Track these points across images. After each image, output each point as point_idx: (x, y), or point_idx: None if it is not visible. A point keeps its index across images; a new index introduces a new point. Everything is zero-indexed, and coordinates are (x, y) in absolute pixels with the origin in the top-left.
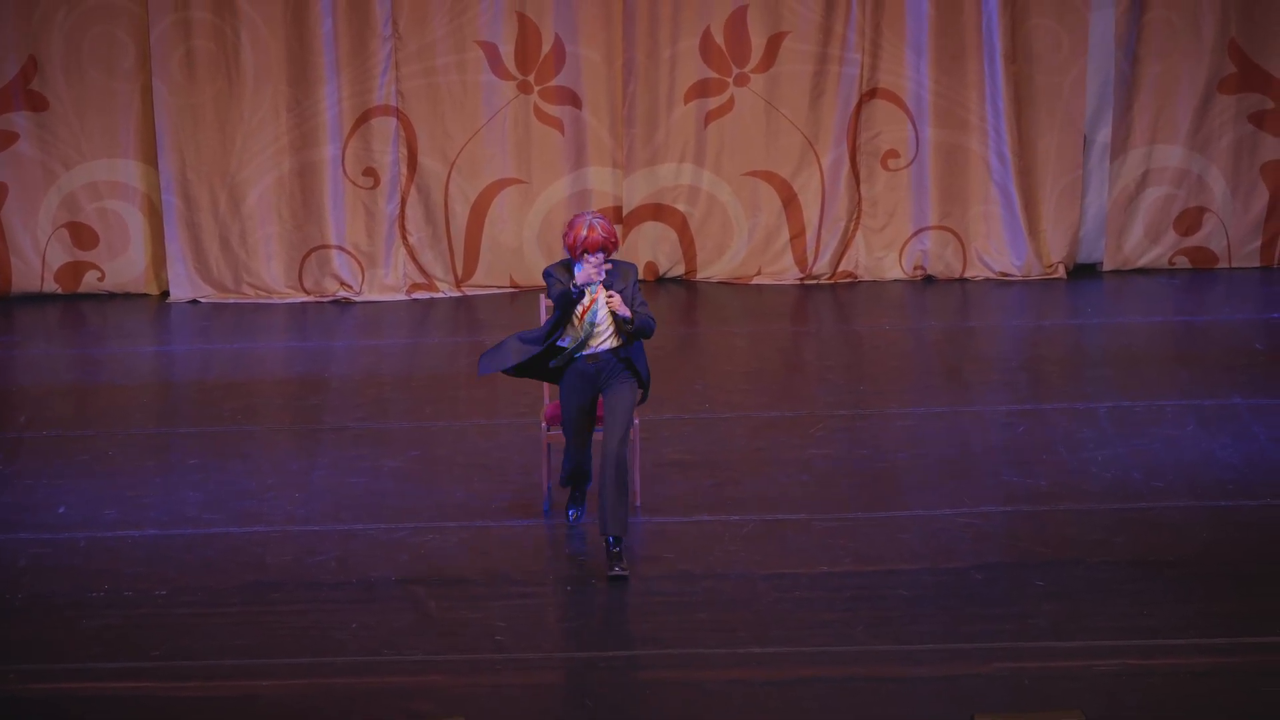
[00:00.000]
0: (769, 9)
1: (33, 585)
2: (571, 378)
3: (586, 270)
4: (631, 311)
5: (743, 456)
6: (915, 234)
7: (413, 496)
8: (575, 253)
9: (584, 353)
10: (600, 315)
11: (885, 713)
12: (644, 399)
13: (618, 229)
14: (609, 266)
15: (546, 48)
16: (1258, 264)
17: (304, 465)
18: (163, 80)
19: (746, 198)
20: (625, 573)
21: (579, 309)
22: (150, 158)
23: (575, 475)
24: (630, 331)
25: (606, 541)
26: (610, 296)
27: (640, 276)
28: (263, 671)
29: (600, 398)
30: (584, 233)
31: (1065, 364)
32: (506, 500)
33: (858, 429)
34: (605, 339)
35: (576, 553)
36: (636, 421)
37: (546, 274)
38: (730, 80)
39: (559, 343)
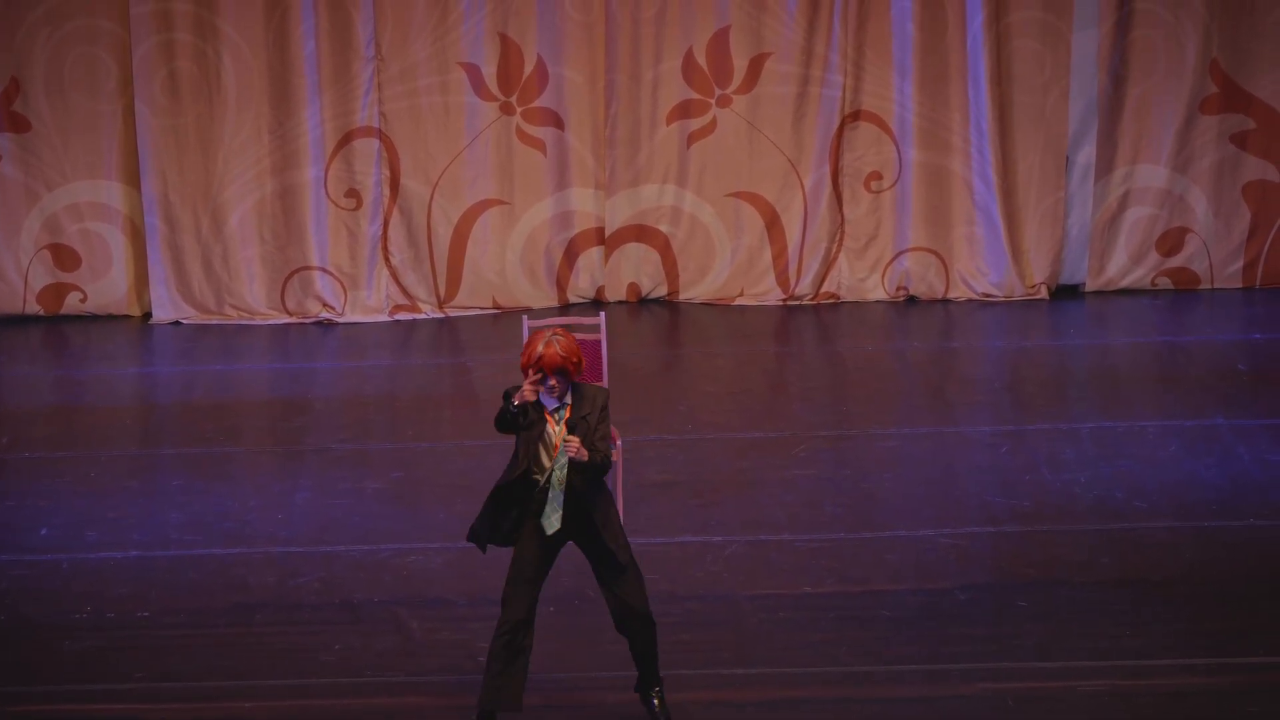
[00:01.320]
0: (751, 30)
1: (15, 607)
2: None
3: (525, 391)
4: (590, 449)
5: (726, 477)
6: (898, 255)
7: (395, 518)
8: (526, 371)
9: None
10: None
11: None
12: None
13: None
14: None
15: (529, 69)
16: (1240, 284)
17: (286, 487)
18: (145, 102)
19: (729, 219)
20: None
21: (550, 447)
22: (132, 179)
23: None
24: (581, 472)
25: (651, 697)
26: (568, 440)
27: (622, 298)
28: (246, 693)
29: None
30: (539, 349)
31: (1048, 385)
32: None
33: (841, 450)
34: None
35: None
36: (619, 443)
37: (505, 395)
38: (713, 101)
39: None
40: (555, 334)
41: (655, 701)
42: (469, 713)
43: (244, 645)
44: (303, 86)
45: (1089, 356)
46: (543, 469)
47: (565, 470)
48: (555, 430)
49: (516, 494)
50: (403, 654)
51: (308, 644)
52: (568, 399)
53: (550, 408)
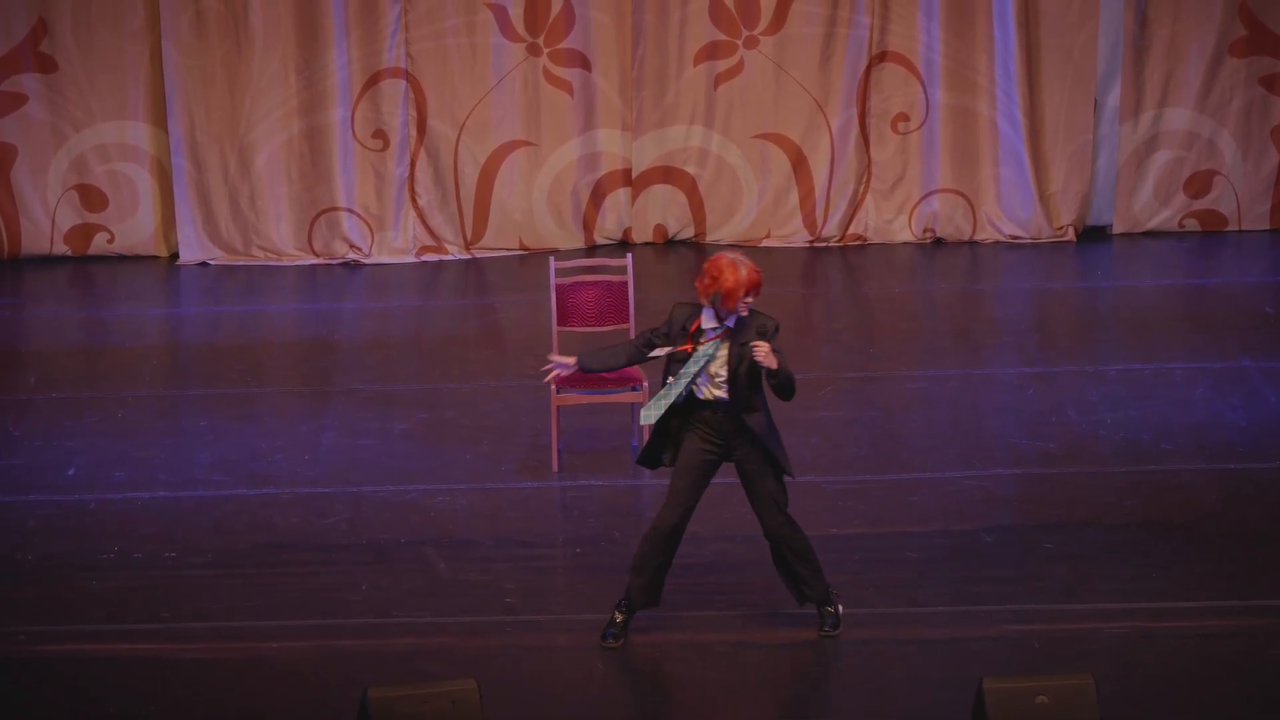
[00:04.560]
0: None
1: (42, 547)
2: (696, 428)
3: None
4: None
5: None
6: (925, 197)
7: (422, 459)
8: (735, 298)
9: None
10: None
11: (895, 675)
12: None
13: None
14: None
15: (556, 10)
16: (1268, 226)
17: (313, 427)
18: (172, 41)
19: (756, 160)
20: (836, 632)
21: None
22: (159, 120)
23: (647, 574)
24: (774, 384)
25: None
26: (757, 345)
27: (649, 239)
28: (272, 633)
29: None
30: (742, 273)
31: (1075, 326)
32: (515, 462)
33: (867, 391)
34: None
35: (585, 514)
36: (645, 384)
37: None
38: (740, 42)
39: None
40: (739, 256)
41: (829, 609)
42: (496, 652)
43: (271, 585)
44: (330, 27)
45: (1116, 298)
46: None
47: (695, 374)
48: (705, 351)
49: (675, 413)
50: (429, 594)
51: (334, 584)
52: (730, 322)
53: (710, 327)
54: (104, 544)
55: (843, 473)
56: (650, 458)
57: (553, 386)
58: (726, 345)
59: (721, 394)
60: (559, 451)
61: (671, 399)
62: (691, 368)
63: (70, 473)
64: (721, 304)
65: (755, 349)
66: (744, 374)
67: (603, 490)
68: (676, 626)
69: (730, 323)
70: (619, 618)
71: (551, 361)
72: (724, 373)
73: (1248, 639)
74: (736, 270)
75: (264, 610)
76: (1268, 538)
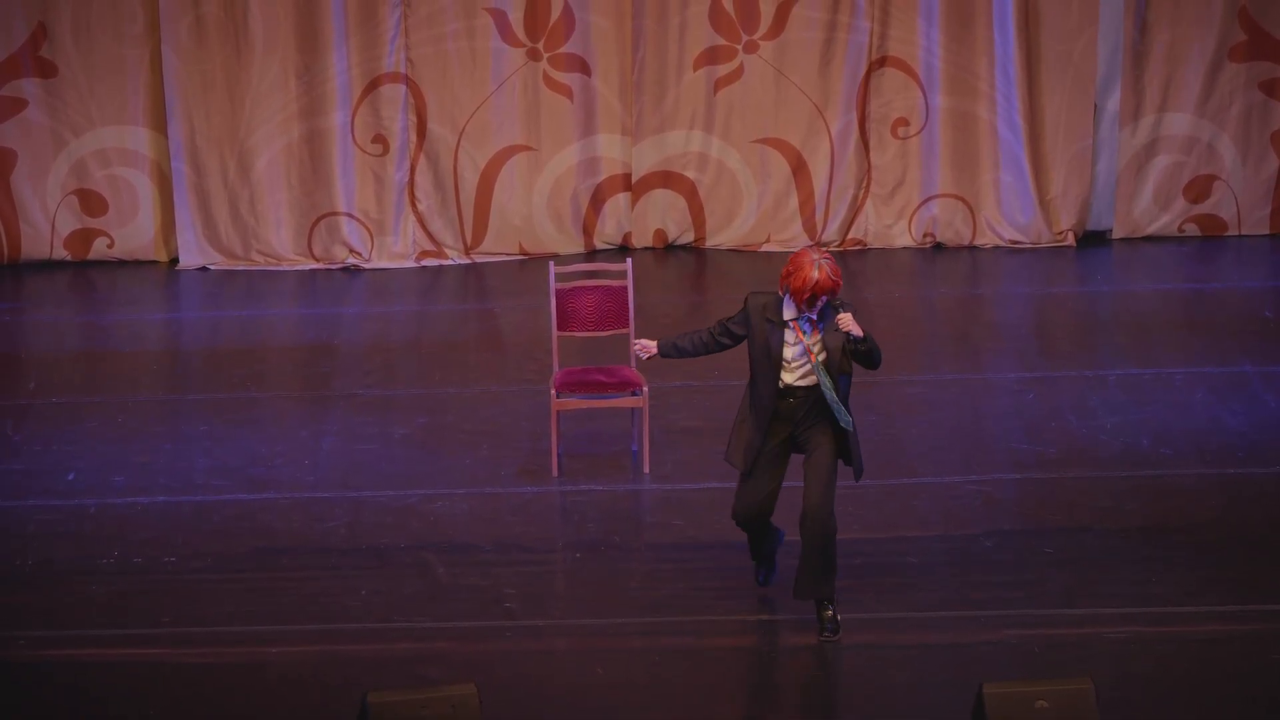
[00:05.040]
0: None
1: (42, 552)
2: (773, 420)
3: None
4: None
5: None
6: (924, 201)
7: (422, 463)
8: (800, 299)
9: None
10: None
11: (895, 680)
12: (857, 472)
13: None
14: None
15: (556, 14)
16: (1267, 231)
17: (313, 432)
18: (171, 46)
19: (755, 165)
20: (837, 636)
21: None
22: (159, 124)
23: (756, 531)
24: (862, 351)
25: (822, 609)
26: (840, 317)
27: (649, 244)
28: (272, 638)
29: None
30: (815, 275)
31: (1074, 331)
32: (515, 467)
33: (867, 396)
34: (804, 374)
35: (585, 519)
36: (645, 389)
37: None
38: (739, 47)
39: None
40: (822, 256)
41: (827, 613)
42: (496, 657)
43: (270, 590)
44: (329, 31)
45: (1115, 303)
46: (776, 380)
47: (824, 370)
48: (802, 340)
49: (763, 408)
50: (429, 598)
51: (334, 589)
52: (814, 315)
53: (800, 316)
54: (104, 549)
55: (842, 477)
56: (737, 455)
57: (552, 391)
58: (813, 334)
59: (806, 382)
60: (559, 456)
61: (826, 381)
62: (791, 352)
63: (70, 477)
64: (793, 301)
65: (839, 320)
66: (829, 362)
67: (603, 495)
68: (676, 631)
69: (813, 314)
70: (761, 575)
71: (637, 343)
72: (806, 361)
73: (1248, 644)
74: (810, 271)
75: (264, 615)
76: (1268, 543)
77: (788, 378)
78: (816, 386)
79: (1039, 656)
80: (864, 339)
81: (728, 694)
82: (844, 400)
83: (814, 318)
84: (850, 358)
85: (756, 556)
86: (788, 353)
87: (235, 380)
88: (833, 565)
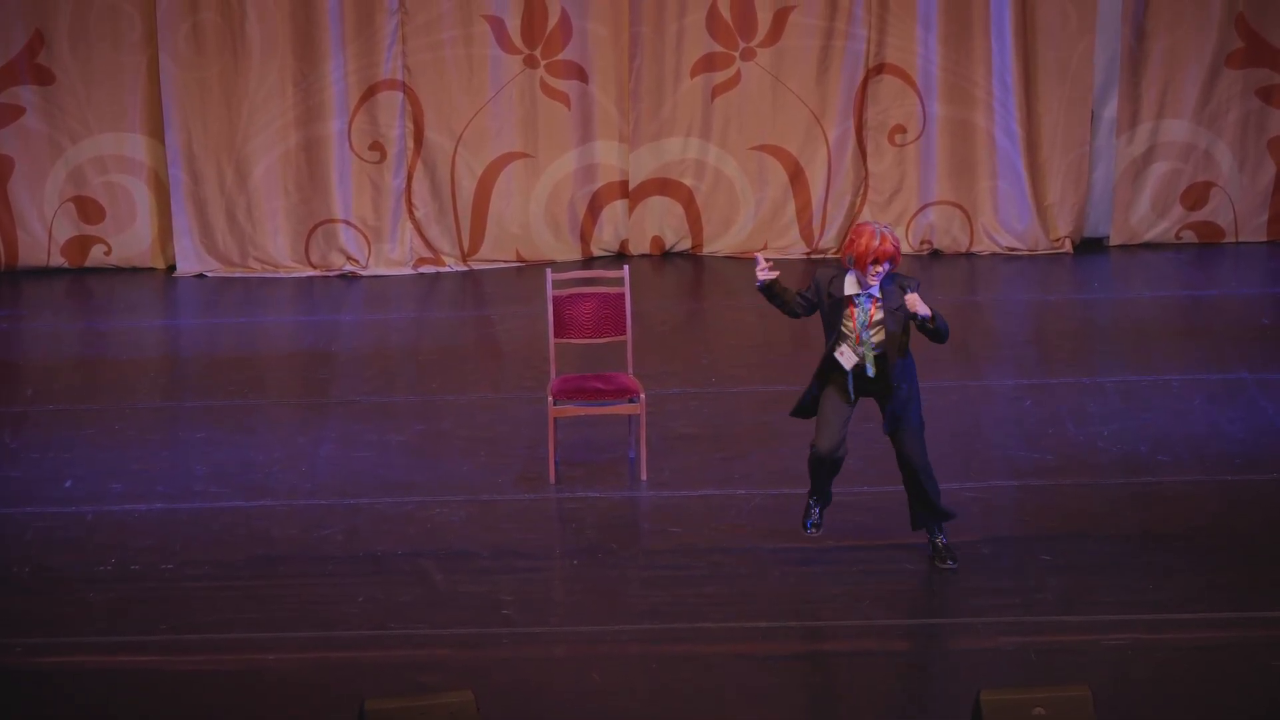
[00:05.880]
0: None
1: (40, 559)
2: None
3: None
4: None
5: (749, 430)
6: (922, 209)
7: (419, 470)
8: (864, 262)
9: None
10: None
11: (892, 686)
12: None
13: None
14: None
15: (553, 21)
16: (1264, 238)
17: (310, 439)
18: (169, 54)
19: (753, 172)
20: (955, 566)
21: (854, 320)
22: (156, 132)
23: (831, 469)
24: (930, 330)
25: (934, 538)
26: (909, 297)
27: (646, 251)
28: (270, 645)
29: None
30: (875, 242)
31: (1072, 338)
32: (513, 474)
33: (865, 403)
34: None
35: (583, 526)
36: (643, 396)
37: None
38: (737, 54)
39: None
40: (884, 227)
41: (939, 541)
42: (493, 663)
43: (268, 597)
44: (327, 39)
45: (1113, 310)
46: (848, 346)
47: (873, 344)
48: (863, 313)
49: (829, 368)
50: (426, 606)
51: (332, 595)
52: (875, 290)
53: (861, 292)
54: (101, 556)
55: (841, 484)
56: (805, 408)
57: (550, 398)
58: (876, 309)
59: (868, 359)
60: (556, 463)
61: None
62: (850, 324)
63: (68, 485)
64: (855, 266)
65: (907, 301)
66: (891, 336)
67: (600, 502)
68: (674, 638)
69: (874, 290)
70: (816, 513)
71: (763, 264)
72: (872, 335)
73: (1246, 650)
74: (873, 237)
75: (261, 622)
76: (1266, 549)
77: (855, 353)
78: (881, 355)
79: (1036, 663)
80: (931, 317)
81: (724, 701)
82: (903, 353)
83: (876, 295)
84: (915, 334)
85: (820, 493)
86: (846, 325)
87: (233, 387)
88: (938, 492)
